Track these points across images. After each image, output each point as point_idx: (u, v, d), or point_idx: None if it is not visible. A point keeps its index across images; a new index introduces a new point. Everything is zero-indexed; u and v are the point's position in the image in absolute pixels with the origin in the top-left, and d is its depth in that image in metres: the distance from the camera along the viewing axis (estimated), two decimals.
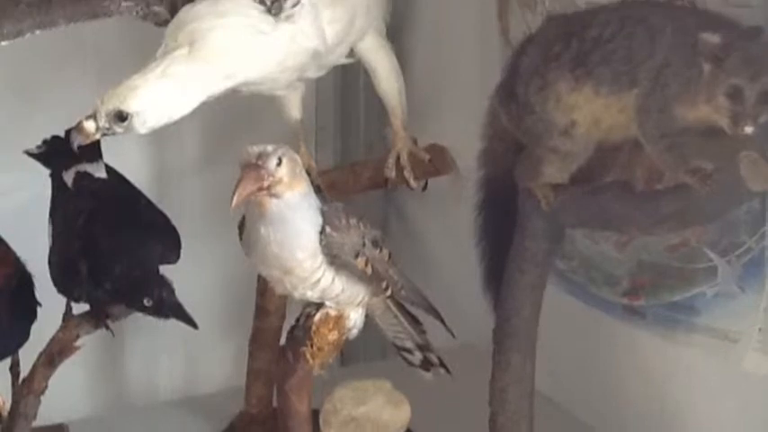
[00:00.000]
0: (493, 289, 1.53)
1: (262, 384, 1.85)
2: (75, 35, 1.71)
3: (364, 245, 1.41)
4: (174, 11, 1.52)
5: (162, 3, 1.54)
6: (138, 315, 1.58)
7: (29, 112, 1.91)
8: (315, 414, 1.54)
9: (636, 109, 1.31)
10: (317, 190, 1.42)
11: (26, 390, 1.61)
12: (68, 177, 1.66)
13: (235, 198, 1.30)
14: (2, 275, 1.60)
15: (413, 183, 1.75)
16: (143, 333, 2.06)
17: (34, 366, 1.61)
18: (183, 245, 1.61)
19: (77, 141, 1.44)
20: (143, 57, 1.47)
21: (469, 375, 1.54)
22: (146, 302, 1.54)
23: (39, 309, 1.63)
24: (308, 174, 1.41)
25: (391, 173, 1.74)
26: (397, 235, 2.20)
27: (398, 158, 1.74)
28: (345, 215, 1.40)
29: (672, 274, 1.64)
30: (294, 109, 1.69)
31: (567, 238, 1.57)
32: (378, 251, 1.44)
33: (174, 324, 1.56)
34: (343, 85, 2.21)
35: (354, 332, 1.49)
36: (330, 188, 1.63)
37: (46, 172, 1.70)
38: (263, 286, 1.78)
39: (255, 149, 1.32)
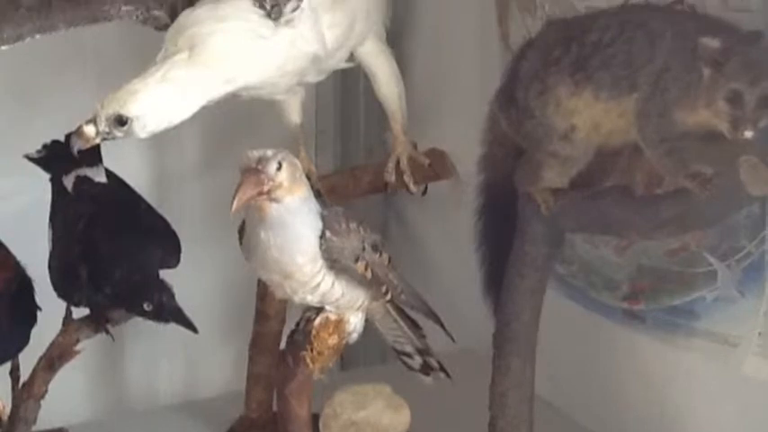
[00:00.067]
0: (493, 293, 1.53)
1: (262, 389, 1.84)
2: (76, 39, 1.71)
3: (364, 249, 1.41)
4: (174, 15, 1.52)
5: (162, 7, 1.54)
6: (138, 319, 1.58)
7: (29, 116, 1.91)
8: (315, 418, 1.54)
9: (636, 113, 1.31)
10: (317, 194, 1.42)
11: (26, 394, 1.61)
12: (68, 182, 1.67)
13: (235, 202, 1.30)
14: (2, 280, 1.60)
15: (413, 187, 1.74)
16: (143, 337, 2.06)
17: (34, 371, 1.61)
18: (183, 249, 1.62)
19: (77, 146, 1.44)
20: (143, 61, 1.47)
21: (469, 380, 1.54)
22: (146, 307, 1.54)
23: (39, 313, 1.63)
24: (308, 178, 1.41)
25: (391, 177, 1.74)
26: (397, 239, 2.19)
27: (398, 163, 1.73)
28: (345, 219, 1.40)
29: (672, 279, 1.64)
30: (294, 113, 1.69)
31: (567, 242, 1.57)
32: (378, 255, 1.44)
33: (174, 328, 1.56)
34: (343, 90, 2.20)
35: (354, 336, 1.49)
36: (330, 192, 1.63)
37: (46, 176, 1.70)
38: (263, 290, 1.78)
39: (255, 154, 1.32)
